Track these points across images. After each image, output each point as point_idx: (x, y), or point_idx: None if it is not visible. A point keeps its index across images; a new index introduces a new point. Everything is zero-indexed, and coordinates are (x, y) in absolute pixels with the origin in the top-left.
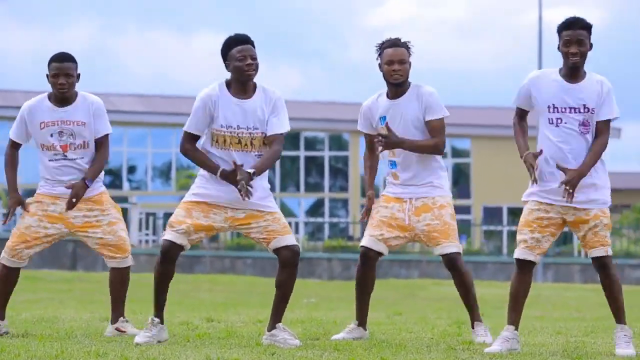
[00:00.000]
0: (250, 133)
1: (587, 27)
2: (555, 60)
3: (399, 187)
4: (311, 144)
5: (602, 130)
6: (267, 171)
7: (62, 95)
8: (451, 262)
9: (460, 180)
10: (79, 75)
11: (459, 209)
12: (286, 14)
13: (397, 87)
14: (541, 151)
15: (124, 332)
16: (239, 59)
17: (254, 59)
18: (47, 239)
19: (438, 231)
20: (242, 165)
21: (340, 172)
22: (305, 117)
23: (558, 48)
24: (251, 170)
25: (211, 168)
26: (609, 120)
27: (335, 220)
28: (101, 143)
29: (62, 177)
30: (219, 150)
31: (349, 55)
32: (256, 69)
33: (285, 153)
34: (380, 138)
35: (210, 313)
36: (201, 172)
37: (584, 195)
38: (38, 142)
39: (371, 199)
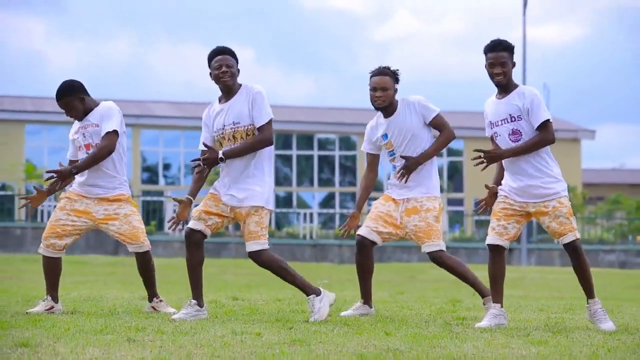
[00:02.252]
0: (232, 129)
1: (509, 48)
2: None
3: (397, 188)
4: (323, 144)
5: (539, 131)
6: (265, 176)
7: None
8: (434, 259)
9: (455, 176)
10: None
11: (453, 201)
12: (303, 29)
13: (382, 110)
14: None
15: (158, 310)
16: (216, 68)
17: (230, 67)
18: (75, 231)
19: (423, 232)
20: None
21: (349, 169)
22: (319, 120)
23: (485, 67)
24: (220, 154)
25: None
26: (544, 123)
27: (345, 211)
28: (102, 138)
29: (80, 177)
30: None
31: (357, 65)
32: (231, 76)
33: (300, 152)
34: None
35: (235, 293)
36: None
37: (534, 195)
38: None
39: (355, 218)
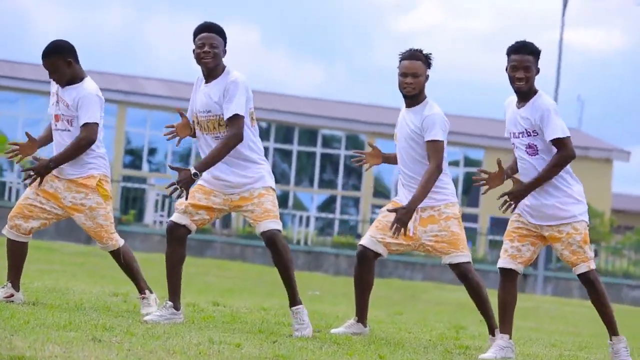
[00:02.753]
0: (205, 117)
1: (535, 52)
2: (572, 81)
3: (408, 193)
4: (328, 141)
5: (556, 150)
6: (259, 154)
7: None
8: (461, 273)
9: (471, 190)
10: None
11: (466, 217)
12: (316, 11)
13: (409, 98)
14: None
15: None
16: (198, 46)
17: (214, 47)
18: (43, 214)
19: (446, 242)
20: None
21: (354, 171)
22: (325, 115)
23: (506, 69)
24: (192, 170)
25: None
26: (556, 140)
27: (345, 217)
28: (82, 129)
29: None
30: (198, 132)
31: (373, 58)
32: (213, 57)
33: (302, 148)
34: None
35: (216, 297)
36: None
37: (548, 215)
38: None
39: (377, 156)
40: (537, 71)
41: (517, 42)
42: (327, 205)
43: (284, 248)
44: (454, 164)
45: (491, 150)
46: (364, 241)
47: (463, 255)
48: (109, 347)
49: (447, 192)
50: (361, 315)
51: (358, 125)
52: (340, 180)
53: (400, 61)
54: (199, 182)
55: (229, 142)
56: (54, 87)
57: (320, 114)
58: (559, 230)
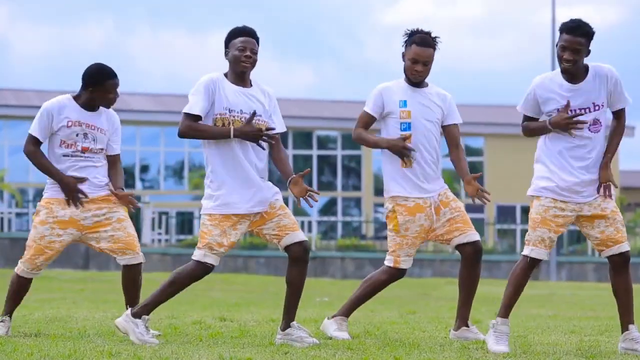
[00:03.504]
0: (254, 119)
1: (589, 34)
2: None
3: (415, 183)
4: (324, 142)
5: (620, 117)
6: (267, 166)
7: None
8: (478, 249)
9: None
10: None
11: (472, 208)
12: (299, 11)
13: (414, 83)
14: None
15: None
16: (239, 49)
17: (254, 52)
18: (61, 247)
19: (461, 221)
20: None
21: (353, 171)
22: (318, 115)
23: (556, 45)
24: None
25: (221, 132)
26: (622, 109)
27: (348, 219)
28: (115, 159)
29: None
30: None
31: (363, 53)
32: (253, 64)
33: (297, 152)
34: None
35: (223, 312)
36: (216, 176)
37: (594, 190)
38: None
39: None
40: (588, 53)
41: (571, 21)
42: (329, 208)
43: (307, 259)
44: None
45: (490, 137)
46: (405, 264)
47: (477, 234)
48: None
49: (442, 178)
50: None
51: (353, 123)
52: (339, 181)
53: (409, 44)
54: (223, 210)
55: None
56: (73, 114)
57: (314, 115)
58: (605, 207)
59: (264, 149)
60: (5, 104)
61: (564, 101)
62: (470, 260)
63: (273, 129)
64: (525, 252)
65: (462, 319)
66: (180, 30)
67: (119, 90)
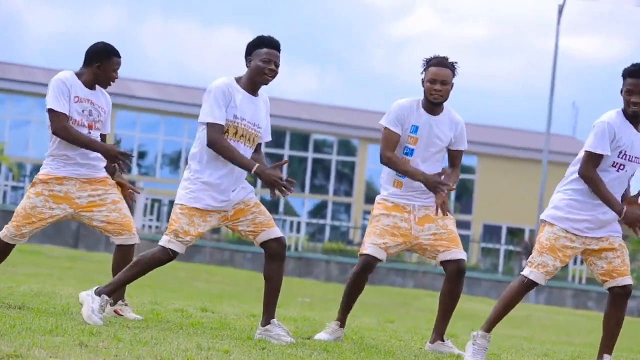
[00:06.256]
0: (252, 129)
1: None
2: (567, 88)
3: (400, 194)
4: (320, 146)
5: None
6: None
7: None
8: (460, 268)
9: (464, 196)
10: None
11: (459, 224)
12: (309, 16)
13: (434, 105)
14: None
15: (121, 315)
16: (264, 61)
17: (277, 66)
18: (51, 220)
19: (446, 239)
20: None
21: (346, 176)
22: (317, 119)
23: (621, 92)
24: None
25: (245, 164)
26: None
27: (337, 223)
28: (104, 139)
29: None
30: (230, 141)
31: (367, 62)
32: (273, 77)
33: (293, 153)
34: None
35: (205, 303)
36: (197, 169)
37: (608, 227)
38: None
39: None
40: None
41: (633, 65)
42: (318, 210)
43: (284, 252)
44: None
45: (484, 157)
46: (370, 250)
47: (463, 253)
48: (96, 353)
49: None
50: (344, 320)
51: (350, 130)
52: (331, 185)
53: (427, 67)
54: (194, 204)
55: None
56: (80, 91)
57: (313, 118)
58: (613, 241)
59: (275, 197)
60: (10, 78)
61: (625, 145)
62: (453, 278)
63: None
64: (525, 272)
65: (439, 333)
66: (190, 23)
67: (119, 73)
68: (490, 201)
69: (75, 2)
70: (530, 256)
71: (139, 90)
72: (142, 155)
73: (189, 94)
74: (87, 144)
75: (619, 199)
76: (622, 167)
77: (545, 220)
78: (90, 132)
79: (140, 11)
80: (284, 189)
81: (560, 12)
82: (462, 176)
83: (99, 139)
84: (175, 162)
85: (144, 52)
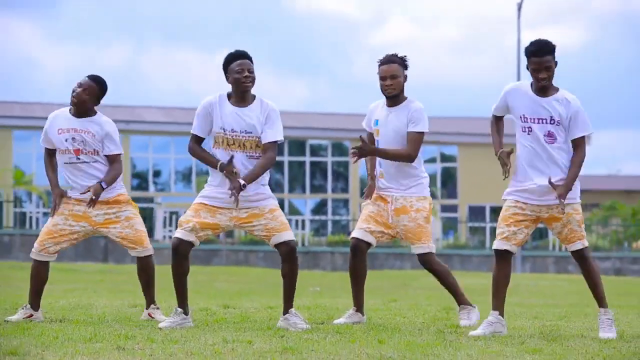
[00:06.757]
0: (243, 136)
1: (552, 50)
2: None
3: (382, 185)
4: (316, 150)
5: (579, 146)
6: (268, 174)
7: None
8: (423, 262)
9: (448, 183)
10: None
11: (446, 208)
12: (296, 33)
13: (392, 99)
14: (512, 150)
15: (153, 318)
16: (238, 72)
17: (251, 72)
18: (72, 236)
19: (412, 232)
20: (236, 173)
21: (341, 175)
22: (311, 126)
23: (527, 68)
24: (241, 182)
25: (211, 162)
26: (583, 137)
27: (337, 218)
28: (114, 158)
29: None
30: (220, 150)
31: (352, 70)
32: (252, 82)
33: (292, 158)
34: (354, 150)
35: (226, 300)
36: (209, 178)
37: (554, 194)
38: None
39: (372, 187)
40: (556, 64)
41: (534, 44)
42: (320, 208)
43: (295, 254)
44: (432, 160)
45: (464, 146)
46: (355, 234)
47: (424, 246)
48: (132, 354)
49: (420, 187)
50: (359, 304)
51: (342, 133)
52: (329, 184)
53: (379, 67)
54: (202, 200)
55: (270, 162)
56: (62, 122)
57: (307, 126)
58: (558, 211)
59: (235, 196)
60: (33, 115)
61: (524, 109)
62: (423, 264)
63: (242, 185)
64: (493, 246)
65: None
66: (190, 51)
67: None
68: (472, 184)
69: (85, 40)
70: None
71: (149, 115)
72: (157, 173)
73: (193, 115)
74: (49, 179)
75: (553, 173)
76: (529, 129)
77: (503, 198)
78: (79, 158)
79: (142, 43)
80: (234, 179)
81: (519, 8)
82: (446, 164)
83: (92, 162)
84: (187, 177)
85: (150, 81)
